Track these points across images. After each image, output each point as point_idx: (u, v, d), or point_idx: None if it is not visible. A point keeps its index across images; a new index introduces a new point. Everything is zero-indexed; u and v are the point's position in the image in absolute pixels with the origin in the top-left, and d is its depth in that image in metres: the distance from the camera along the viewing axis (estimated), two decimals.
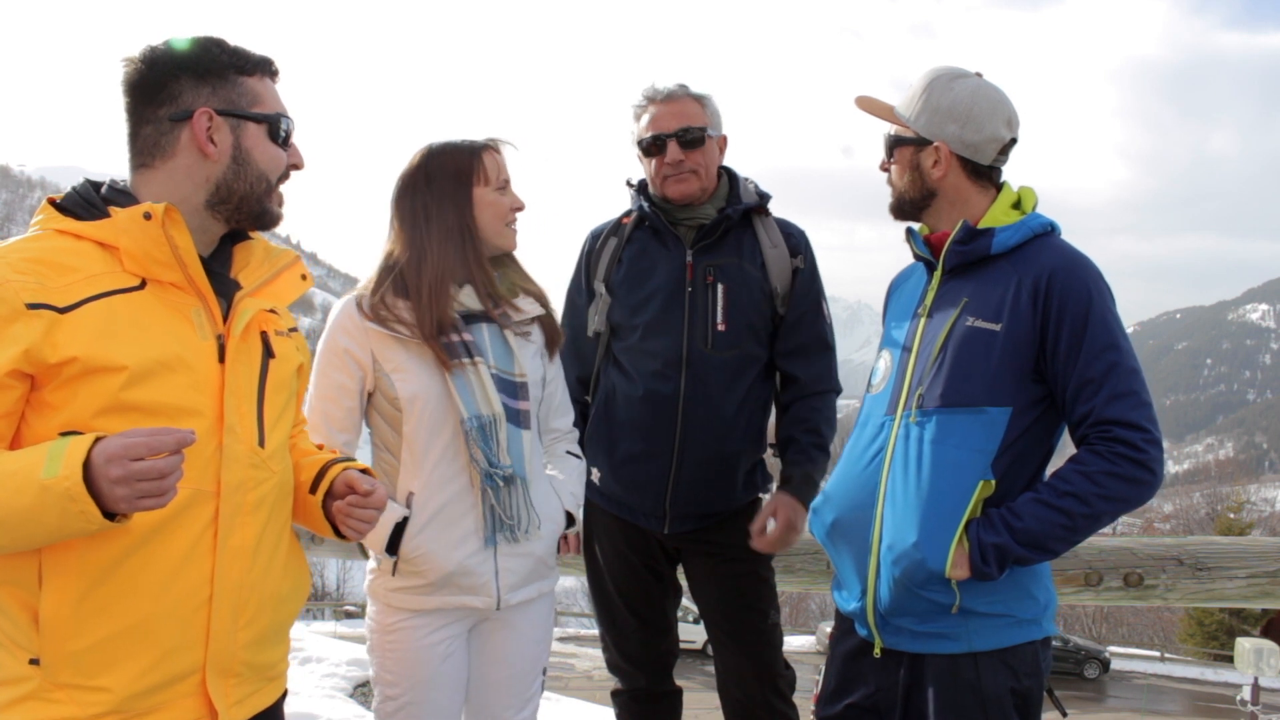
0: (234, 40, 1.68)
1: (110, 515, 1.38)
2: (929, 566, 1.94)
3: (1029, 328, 1.97)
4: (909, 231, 2.22)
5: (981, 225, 2.08)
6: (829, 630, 3.29)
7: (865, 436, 2.17)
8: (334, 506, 1.82)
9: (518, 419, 2.22)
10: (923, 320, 2.12)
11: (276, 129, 1.69)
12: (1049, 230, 2.08)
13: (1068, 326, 1.95)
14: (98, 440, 1.37)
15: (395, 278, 2.24)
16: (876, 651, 2.09)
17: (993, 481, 1.95)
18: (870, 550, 2.06)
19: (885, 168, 2.23)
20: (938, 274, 2.14)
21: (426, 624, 2.23)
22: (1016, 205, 2.12)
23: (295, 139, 1.75)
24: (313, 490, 1.85)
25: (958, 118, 2.09)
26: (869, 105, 2.23)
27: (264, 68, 1.69)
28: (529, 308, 2.34)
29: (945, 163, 2.09)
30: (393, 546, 2.19)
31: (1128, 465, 1.89)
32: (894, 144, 2.17)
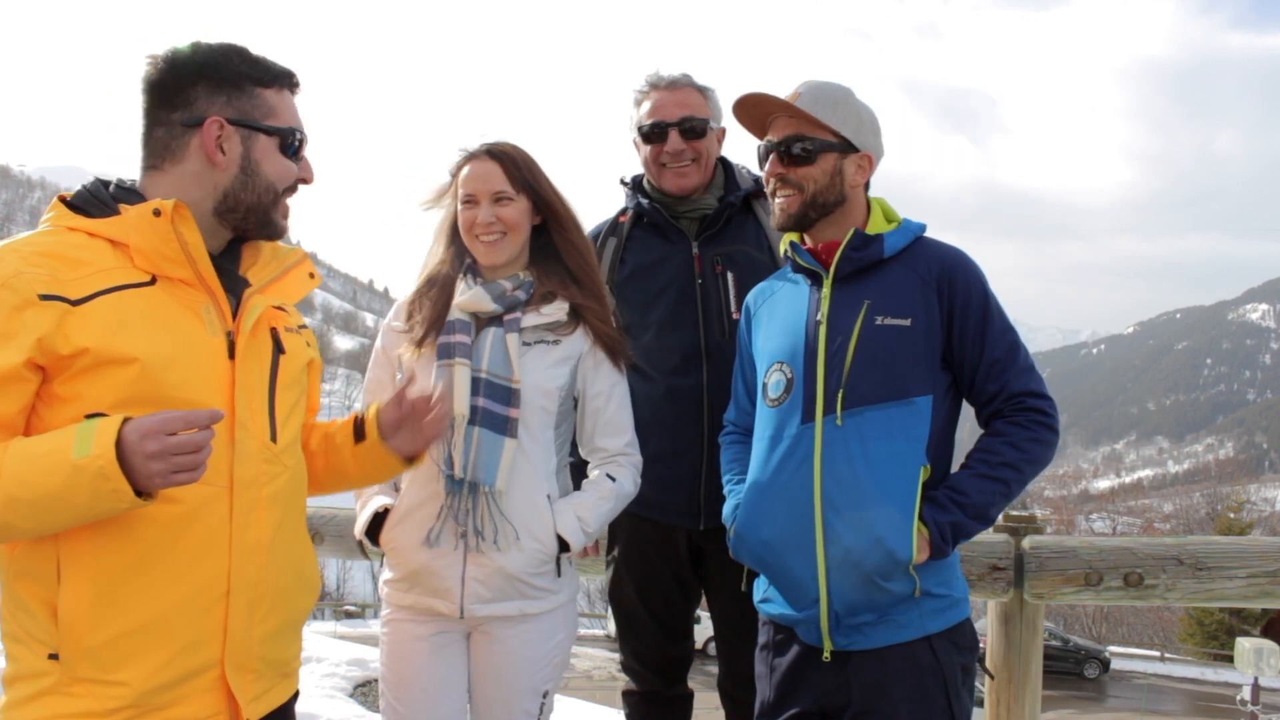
0: (255, 48, 1.67)
1: (139, 494, 1.40)
2: (898, 557, 2.00)
3: (937, 320, 2.12)
4: (792, 246, 2.23)
5: (869, 232, 2.18)
6: None
7: (780, 449, 2.16)
8: (420, 420, 1.91)
9: (503, 426, 2.18)
10: (823, 327, 2.15)
11: (289, 142, 1.69)
12: (922, 232, 2.22)
13: (974, 315, 2.12)
14: (126, 420, 1.39)
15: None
16: (826, 655, 2.11)
17: (928, 466, 2.07)
18: (817, 556, 2.08)
19: (791, 169, 2.15)
20: (828, 282, 2.17)
21: (414, 621, 2.27)
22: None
23: (306, 152, 1.75)
24: (359, 439, 1.90)
25: (876, 131, 2.22)
26: (790, 109, 2.14)
27: (283, 80, 1.69)
28: (552, 313, 2.29)
29: (867, 172, 2.20)
30: (374, 536, 2.28)
31: (1043, 430, 2.10)
32: (822, 148, 2.14)
